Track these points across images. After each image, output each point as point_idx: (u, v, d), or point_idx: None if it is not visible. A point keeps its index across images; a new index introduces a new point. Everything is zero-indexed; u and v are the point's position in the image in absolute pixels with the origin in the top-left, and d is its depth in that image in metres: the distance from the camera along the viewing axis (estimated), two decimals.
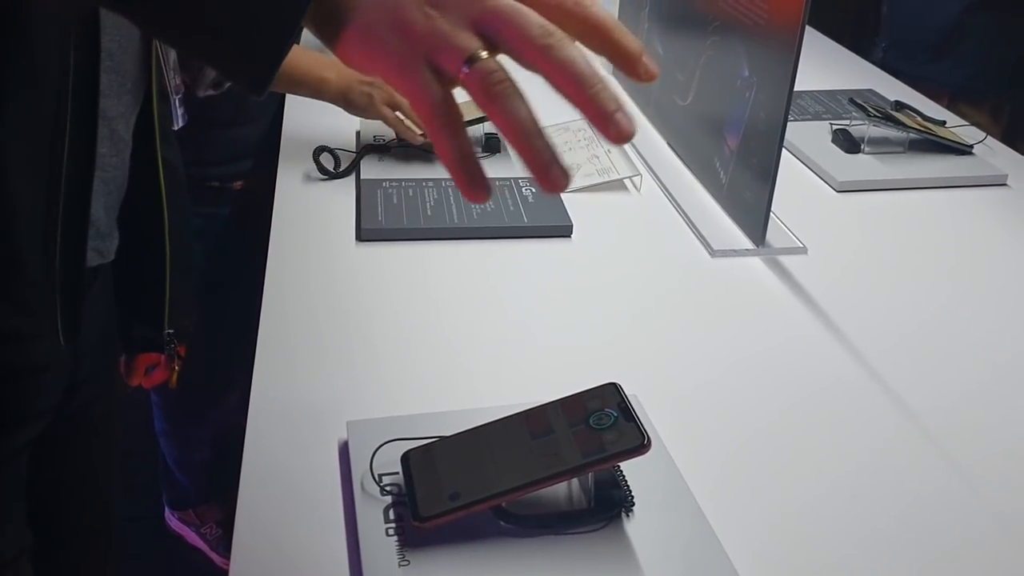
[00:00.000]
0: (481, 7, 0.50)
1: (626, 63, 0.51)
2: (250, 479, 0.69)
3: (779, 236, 1.06)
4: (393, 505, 0.65)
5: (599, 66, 0.49)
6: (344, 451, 0.71)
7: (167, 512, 1.80)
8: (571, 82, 0.49)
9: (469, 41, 0.49)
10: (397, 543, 0.62)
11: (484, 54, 0.49)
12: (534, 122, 0.48)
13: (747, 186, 1.06)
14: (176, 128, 1.10)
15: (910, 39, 1.99)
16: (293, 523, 0.65)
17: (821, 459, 0.74)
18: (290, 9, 0.49)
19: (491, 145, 1.21)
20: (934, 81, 1.67)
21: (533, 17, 0.50)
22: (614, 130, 0.48)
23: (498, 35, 0.49)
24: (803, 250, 1.05)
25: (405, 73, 0.49)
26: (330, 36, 0.51)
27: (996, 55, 1.93)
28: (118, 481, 1.15)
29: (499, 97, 0.48)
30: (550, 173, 0.48)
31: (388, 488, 0.65)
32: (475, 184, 0.49)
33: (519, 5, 0.50)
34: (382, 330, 0.87)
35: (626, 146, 1.29)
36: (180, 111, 1.10)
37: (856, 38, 1.95)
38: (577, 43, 0.51)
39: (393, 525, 0.63)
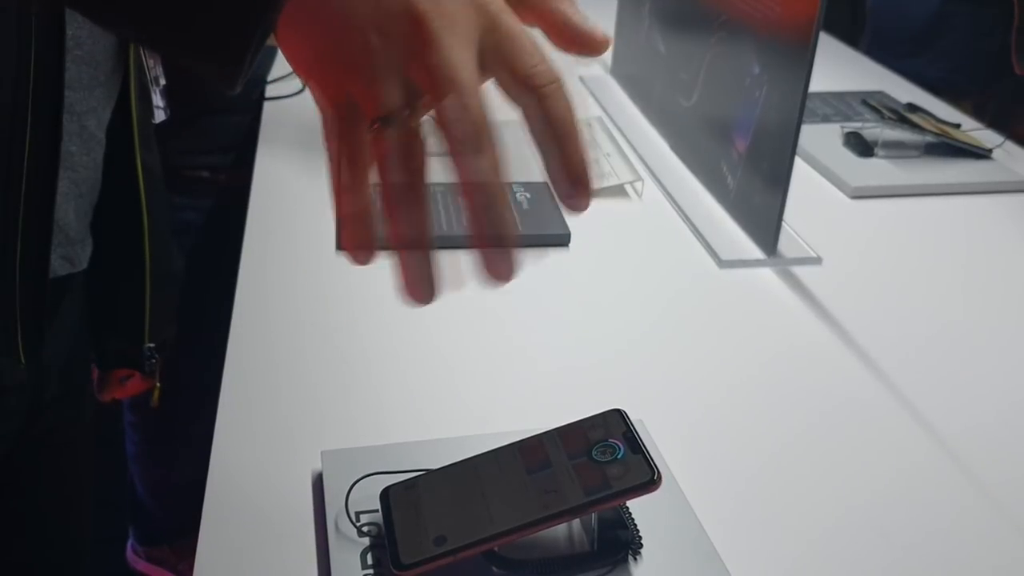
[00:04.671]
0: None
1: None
2: (213, 514, 0.62)
3: (791, 245, 1.00)
4: (372, 548, 0.57)
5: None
6: (318, 484, 0.63)
7: (130, 553, 1.68)
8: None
9: (394, 94, 0.42)
10: None
11: (395, 119, 0.42)
12: (424, 237, 0.43)
13: (757, 191, 1.00)
14: (156, 123, 1.03)
15: (892, 32, 1.97)
16: (260, 566, 0.58)
17: (845, 489, 0.67)
18: None
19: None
20: (916, 75, 1.62)
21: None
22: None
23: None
24: (817, 260, 0.98)
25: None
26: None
27: (976, 48, 1.90)
28: (87, 510, 1.08)
29: (395, 164, 0.43)
30: (420, 288, 0.45)
31: (366, 528, 0.58)
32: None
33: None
34: (362, 348, 0.80)
35: (627, 149, 1.22)
36: (162, 104, 1.03)
37: (842, 32, 1.92)
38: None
39: (371, 571, 0.56)
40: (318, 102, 0.45)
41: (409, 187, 0.43)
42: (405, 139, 0.42)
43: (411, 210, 0.43)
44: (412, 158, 0.43)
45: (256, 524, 0.61)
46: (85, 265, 0.94)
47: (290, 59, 0.45)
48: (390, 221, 0.43)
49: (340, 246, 0.44)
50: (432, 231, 0.43)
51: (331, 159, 0.44)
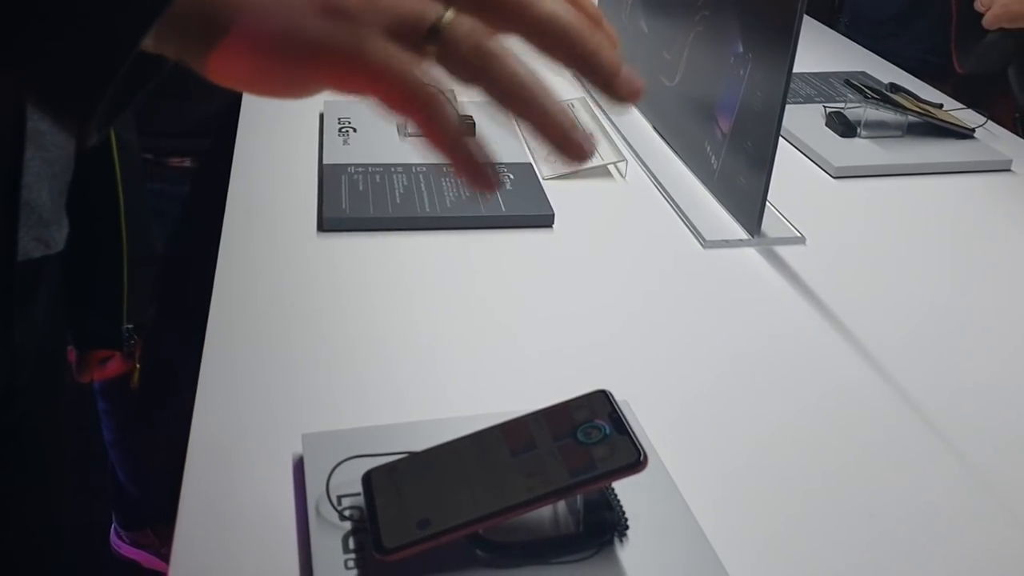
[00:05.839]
0: None
1: (600, 79, 0.42)
2: (191, 498, 0.61)
3: (775, 225, 0.99)
4: (354, 532, 0.56)
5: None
6: (299, 468, 0.62)
7: (114, 538, 1.67)
8: (561, 38, 0.41)
9: (425, 5, 0.39)
10: None
11: (451, 14, 0.39)
12: (541, 84, 0.39)
13: (741, 172, 0.99)
14: None
15: (870, 14, 1.97)
16: (239, 551, 0.57)
17: (833, 470, 0.67)
18: (130, 19, 0.36)
19: (465, 128, 1.13)
20: (894, 56, 1.62)
21: None
22: (625, 87, 0.40)
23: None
24: (801, 240, 0.98)
25: (356, 54, 0.38)
26: (203, 46, 0.39)
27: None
28: (67, 496, 1.06)
29: (491, 58, 0.39)
30: (572, 140, 0.40)
31: (348, 512, 0.57)
32: (487, 171, 0.40)
33: None
34: (344, 330, 0.79)
35: (610, 129, 1.21)
36: None
37: (820, 13, 1.91)
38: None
39: (353, 556, 0.55)
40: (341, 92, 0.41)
41: (499, 44, 0.39)
42: (464, 21, 0.39)
43: (516, 63, 0.40)
44: (481, 26, 0.39)
45: (236, 508, 0.60)
46: (61, 247, 0.92)
47: (251, 80, 0.41)
48: (505, 86, 0.39)
49: (482, 192, 0.41)
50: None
51: (427, 125, 0.40)
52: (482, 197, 0.42)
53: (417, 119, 0.40)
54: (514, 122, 0.41)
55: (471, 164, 0.40)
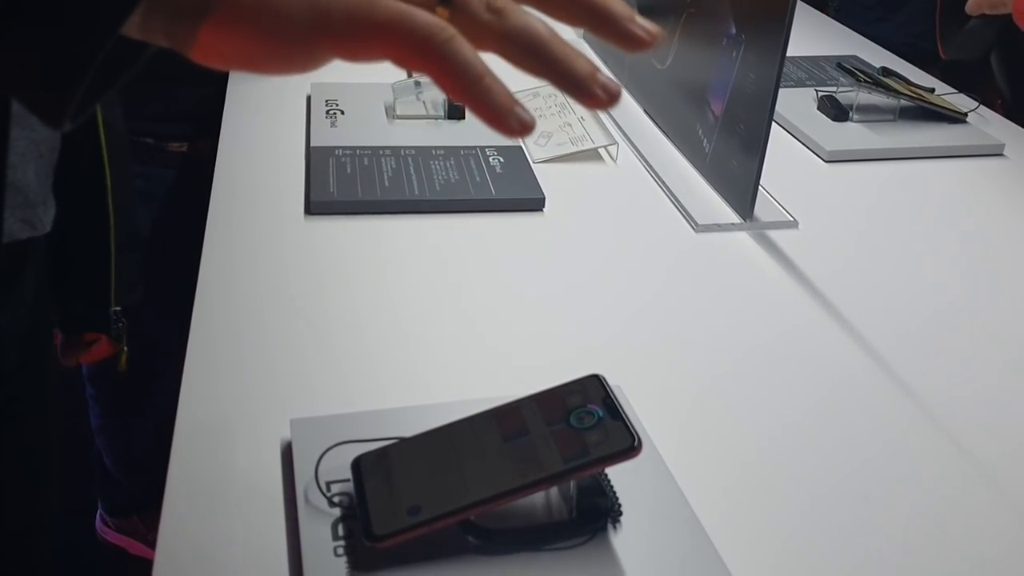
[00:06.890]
0: None
1: (614, 29, 0.40)
2: (176, 486, 0.60)
3: (767, 209, 0.98)
4: (343, 519, 0.56)
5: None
6: (287, 454, 0.61)
7: (99, 524, 1.65)
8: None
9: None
10: (347, 565, 0.53)
11: None
12: (558, 36, 0.39)
13: (733, 155, 0.98)
14: None
15: None
16: (226, 539, 0.56)
17: (828, 457, 0.66)
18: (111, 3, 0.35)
19: (455, 112, 1.12)
20: (884, 41, 1.62)
21: None
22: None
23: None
24: (794, 224, 0.97)
25: (363, 13, 0.37)
26: (190, 26, 0.38)
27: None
28: (53, 482, 1.05)
29: (506, 14, 0.38)
30: (598, 83, 0.38)
31: (337, 499, 0.56)
32: (515, 111, 0.38)
33: None
34: (332, 314, 0.78)
35: (601, 113, 1.20)
36: None
37: None
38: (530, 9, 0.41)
39: (343, 543, 0.54)
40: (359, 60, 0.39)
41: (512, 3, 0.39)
42: None
43: (530, 17, 0.39)
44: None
45: (223, 495, 0.59)
46: (48, 228, 0.91)
47: (245, 66, 0.39)
48: (526, 36, 0.38)
49: (513, 134, 0.38)
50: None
51: (452, 82, 0.38)
52: (520, 135, 0.39)
53: (433, 67, 0.37)
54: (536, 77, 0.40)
55: (497, 107, 0.38)
